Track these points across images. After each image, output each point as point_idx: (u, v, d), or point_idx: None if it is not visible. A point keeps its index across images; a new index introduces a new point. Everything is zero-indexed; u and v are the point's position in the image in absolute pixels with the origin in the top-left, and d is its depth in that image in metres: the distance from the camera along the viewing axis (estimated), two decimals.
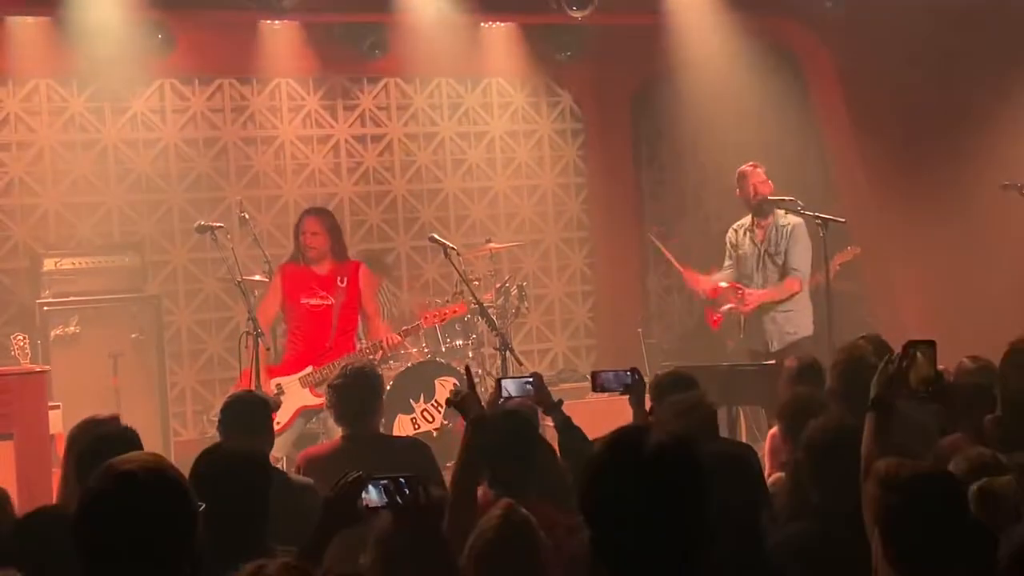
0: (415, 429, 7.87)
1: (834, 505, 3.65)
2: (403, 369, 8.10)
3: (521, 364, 6.96)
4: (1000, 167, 8.74)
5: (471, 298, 7.37)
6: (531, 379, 4.88)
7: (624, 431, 2.31)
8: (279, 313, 7.46)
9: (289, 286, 7.30)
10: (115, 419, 4.67)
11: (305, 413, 7.25)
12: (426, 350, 8.42)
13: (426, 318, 7.68)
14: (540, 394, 4.85)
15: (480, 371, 8.38)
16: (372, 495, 3.21)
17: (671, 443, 2.26)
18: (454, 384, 8.01)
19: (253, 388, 6.54)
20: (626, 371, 4.98)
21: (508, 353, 6.86)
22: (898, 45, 9.19)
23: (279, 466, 5.91)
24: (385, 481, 3.22)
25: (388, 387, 7.60)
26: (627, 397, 4.99)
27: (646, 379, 5.12)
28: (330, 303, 7.25)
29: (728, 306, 7.83)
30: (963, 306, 8.92)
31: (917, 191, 9.42)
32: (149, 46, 8.72)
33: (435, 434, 7.80)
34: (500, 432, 4.23)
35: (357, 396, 5.18)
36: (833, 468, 3.65)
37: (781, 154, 9.41)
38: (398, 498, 3.19)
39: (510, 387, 4.82)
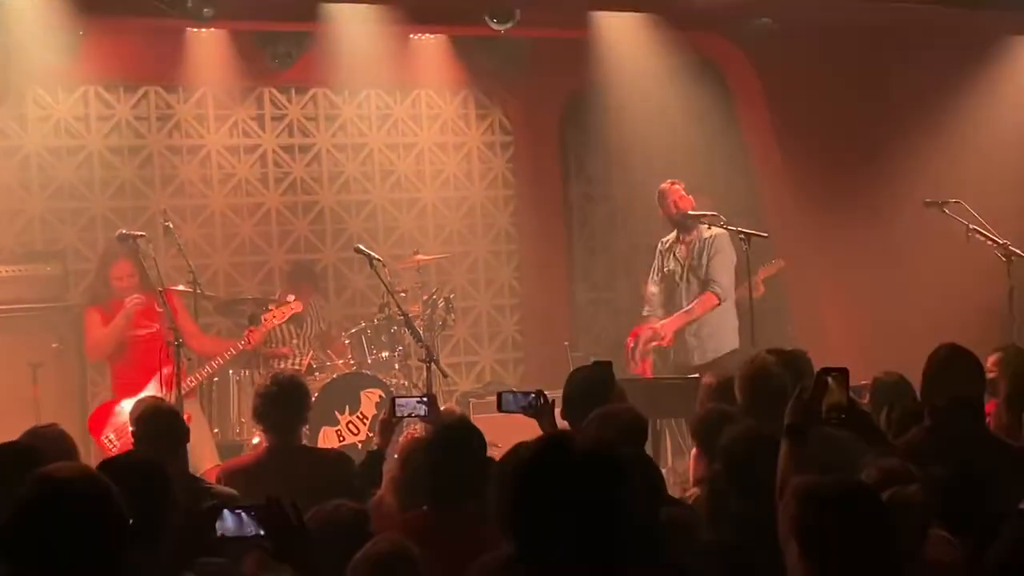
0: (340, 441, 7.85)
1: (753, 514, 3.71)
2: (328, 381, 8.07)
3: (446, 376, 6.98)
4: (923, 184, 8.93)
5: (397, 310, 7.36)
6: (425, 398, 4.94)
7: (551, 438, 2.33)
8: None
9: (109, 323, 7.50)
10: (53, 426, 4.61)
11: None
12: (352, 362, 8.39)
13: (266, 320, 7.73)
14: (433, 413, 4.88)
15: (406, 383, 8.38)
16: (228, 524, 3.11)
17: (599, 449, 2.28)
18: (380, 396, 8.02)
19: (172, 399, 6.51)
20: (529, 393, 5.01)
21: (434, 365, 6.86)
22: (823, 62, 9.34)
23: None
24: (243, 509, 3.13)
25: (313, 398, 7.54)
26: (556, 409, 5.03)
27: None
28: (155, 329, 7.46)
29: (652, 345, 7.87)
30: (883, 321, 9.09)
31: (840, 207, 9.57)
32: (72, 53, 8.61)
33: (360, 447, 7.77)
34: (440, 447, 4.25)
35: (285, 405, 5.15)
36: (750, 476, 3.71)
37: (708, 169, 9.51)
38: (253, 527, 3.09)
39: (404, 406, 4.89)
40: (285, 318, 7.84)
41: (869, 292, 9.43)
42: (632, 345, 7.99)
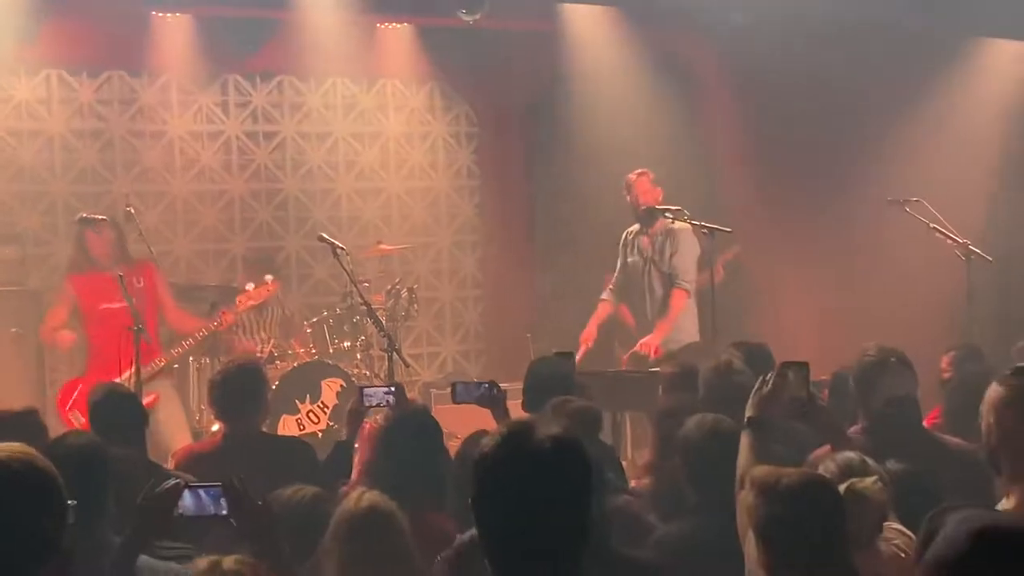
0: (300, 430, 7.81)
1: (712, 505, 3.73)
2: (289, 369, 8.04)
3: (408, 366, 6.97)
4: (886, 183, 8.99)
5: (360, 299, 7.34)
6: (392, 388, 4.92)
7: (514, 426, 2.33)
8: (67, 321, 7.53)
9: (85, 293, 7.40)
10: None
11: None
12: (313, 351, 8.37)
13: (240, 301, 7.68)
14: (401, 403, 4.87)
15: (367, 373, 8.36)
16: (188, 503, 3.13)
17: (562, 438, 2.28)
18: (341, 385, 7.99)
19: (132, 385, 6.46)
20: (482, 383, 5.02)
21: (396, 356, 6.85)
22: (791, 59, 9.38)
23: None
24: (203, 489, 3.14)
25: (274, 387, 7.56)
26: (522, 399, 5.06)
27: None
28: (127, 305, 7.22)
29: (638, 357, 7.85)
30: (843, 317, 9.15)
31: (802, 203, 9.65)
32: (34, 36, 8.52)
33: (320, 436, 7.75)
34: (394, 436, 4.24)
35: (240, 392, 5.11)
36: (710, 468, 3.72)
37: (673, 163, 9.52)
38: (217, 506, 3.12)
39: (372, 396, 4.87)
40: (261, 299, 7.80)
41: (830, 288, 9.50)
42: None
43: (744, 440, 3.58)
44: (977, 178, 9.64)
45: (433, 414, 4.83)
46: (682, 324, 7.92)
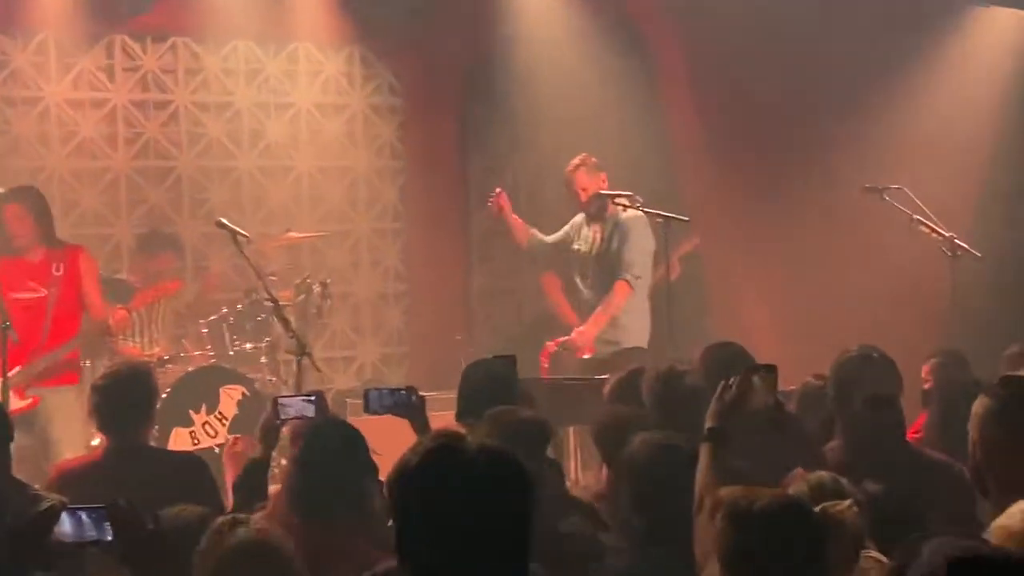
0: (194, 445, 7.79)
1: (661, 534, 3.74)
2: (182, 375, 7.98)
3: (320, 371, 6.94)
4: (862, 169, 9.05)
5: (265, 295, 7.31)
6: (312, 397, 4.89)
7: (441, 438, 2.34)
8: None
9: None
10: None
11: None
12: (210, 354, 8.31)
13: (137, 299, 7.61)
14: (323, 414, 4.86)
15: (273, 379, 8.34)
16: (66, 528, 3.10)
17: (495, 451, 2.30)
18: (243, 393, 7.94)
19: None
20: (399, 389, 5.00)
21: (306, 360, 6.81)
22: (753, 34, 9.42)
23: None
24: (84, 512, 3.11)
25: (164, 395, 7.51)
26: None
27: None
28: (43, 295, 7.18)
29: (567, 348, 7.87)
30: (814, 319, 9.22)
31: (768, 191, 9.68)
32: None
33: (218, 450, 7.71)
34: (310, 452, 4.24)
35: (124, 400, 5.06)
36: (659, 490, 3.72)
37: (623, 145, 9.57)
38: (101, 531, 3.09)
39: (289, 406, 4.85)
40: (161, 296, 7.72)
41: (799, 286, 9.54)
42: (548, 364, 7.98)
43: (703, 454, 3.60)
44: (967, 164, 9.72)
45: None
46: (627, 324, 7.96)
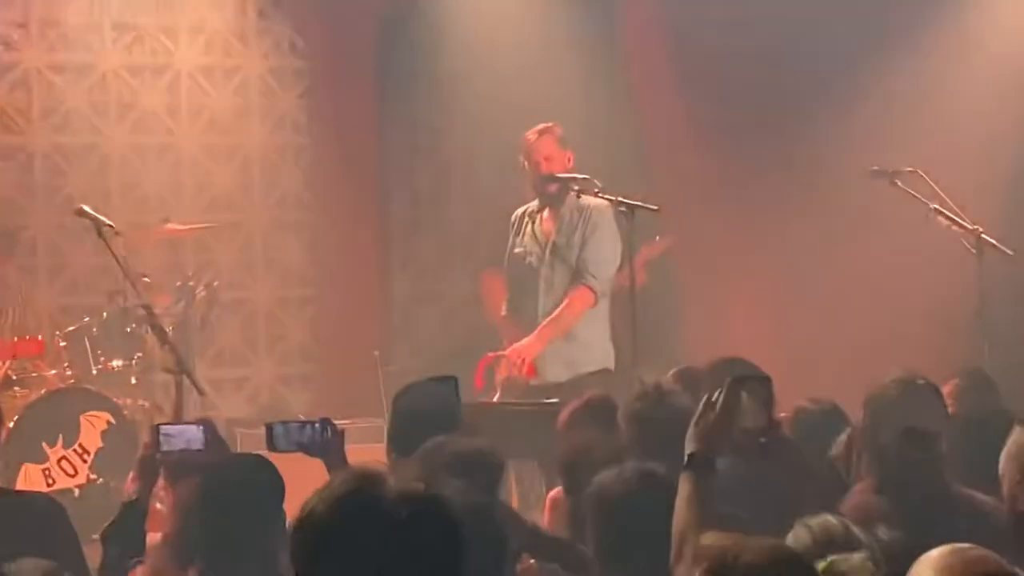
0: (49, 485, 7.74)
1: None
2: (34, 399, 7.92)
3: (204, 395, 6.91)
4: (870, 148, 9.06)
5: (136, 300, 7.26)
6: (202, 427, 4.89)
7: (355, 479, 2.35)
8: None
9: None
10: None
11: None
12: (68, 373, 8.27)
13: None
14: (214, 447, 4.85)
15: (147, 404, 8.29)
16: None
17: (423, 497, 2.32)
18: (108, 422, 7.89)
19: None
20: (311, 422, 5.01)
21: (187, 380, 6.75)
22: None
23: None
24: None
25: (10, 425, 7.44)
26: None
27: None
28: None
29: (508, 377, 7.82)
30: (811, 332, 9.26)
31: (756, 176, 9.76)
32: None
33: (78, 492, 7.72)
34: (214, 493, 4.25)
35: None
36: (629, 535, 3.75)
37: (579, 118, 9.53)
38: None
39: (173, 436, 4.84)
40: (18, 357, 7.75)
41: (793, 292, 9.59)
42: (482, 383, 7.95)
43: (683, 488, 3.58)
44: (995, 143, 9.77)
45: None
46: (589, 341, 7.90)
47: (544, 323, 7.80)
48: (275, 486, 4.33)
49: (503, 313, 8.25)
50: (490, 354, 7.93)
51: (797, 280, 9.57)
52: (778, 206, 9.60)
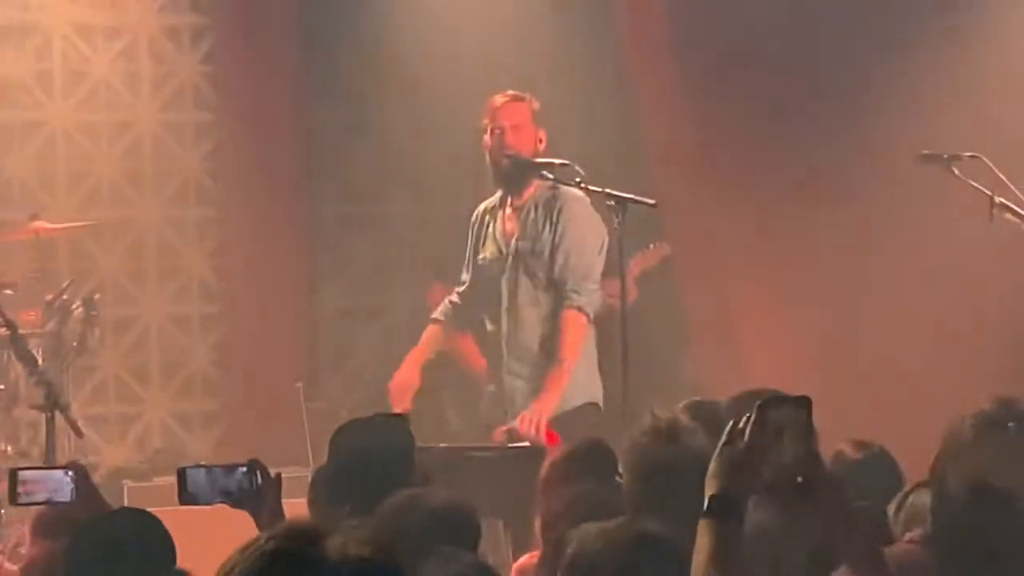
0: None
1: None
2: None
3: (81, 436, 6.90)
4: (920, 130, 9.09)
5: None
6: (70, 473, 4.92)
7: (285, 538, 2.35)
8: None
9: None
10: None
11: None
12: None
13: None
14: (84, 497, 4.84)
15: (9, 448, 8.36)
16: None
17: (364, 562, 2.33)
18: None
19: None
20: (237, 467, 5.00)
21: (61, 417, 6.71)
22: None
23: None
24: None
25: None
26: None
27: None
28: None
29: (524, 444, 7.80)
30: (846, 356, 9.28)
31: (774, 164, 9.78)
32: None
33: None
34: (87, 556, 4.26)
35: None
36: None
37: (558, 92, 9.60)
38: None
39: (33, 484, 4.88)
40: None
41: (822, 306, 9.58)
42: None
43: (703, 537, 3.55)
44: None
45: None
46: (572, 373, 7.89)
47: (551, 373, 7.76)
48: (163, 548, 4.37)
49: (435, 315, 8.27)
50: (500, 429, 7.90)
51: (829, 294, 9.57)
52: (805, 199, 9.64)
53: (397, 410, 7.67)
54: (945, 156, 8.07)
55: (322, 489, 5.34)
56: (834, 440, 5.78)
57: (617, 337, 7.49)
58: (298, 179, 10.65)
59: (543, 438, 7.57)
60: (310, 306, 10.66)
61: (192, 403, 10.52)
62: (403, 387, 7.98)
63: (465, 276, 8.20)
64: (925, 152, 8.17)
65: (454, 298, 8.26)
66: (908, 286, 9.42)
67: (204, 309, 10.56)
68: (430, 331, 8.26)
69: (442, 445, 7.52)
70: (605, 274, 7.93)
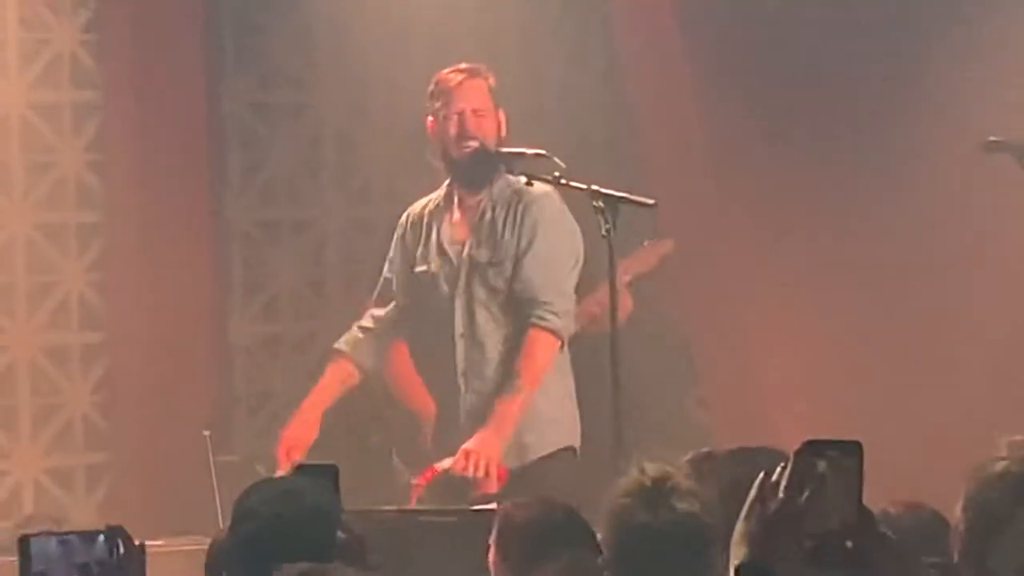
0: None
1: None
2: None
3: None
4: (979, 115, 9.21)
5: None
6: None
7: None
8: None
9: None
10: None
11: None
12: None
13: None
14: None
15: None
16: None
17: None
18: None
19: None
20: (94, 535, 4.76)
21: None
22: None
23: None
24: None
25: None
26: None
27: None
28: None
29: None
30: (886, 392, 9.29)
31: (803, 152, 9.89)
32: None
33: None
34: None
35: None
36: None
37: (536, 73, 9.66)
38: None
39: None
40: None
41: (858, 330, 9.65)
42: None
43: None
44: None
45: None
46: (541, 408, 8.04)
47: (503, 400, 7.87)
48: None
49: (339, 346, 8.44)
50: (434, 467, 7.96)
51: (867, 314, 9.63)
52: (836, 193, 9.73)
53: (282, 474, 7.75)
54: (1016, 143, 8.20)
55: (219, 566, 5.38)
56: (875, 499, 5.89)
57: (606, 363, 7.57)
58: (201, 175, 10.67)
59: (494, 481, 7.64)
60: (220, 334, 10.69)
61: (70, 457, 10.51)
62: (295, 444, 8.10)
63: (389, 293, 8.28)
64: (992, 139, 8.30)
65: (366, 322, 8.31)
66: (958, 296, 9.53)
67: (85, 338, 10.56)
68: (333, 368, 8.41)
69: (386, 508, 7.59)
70: (586, 288, 8.01)
